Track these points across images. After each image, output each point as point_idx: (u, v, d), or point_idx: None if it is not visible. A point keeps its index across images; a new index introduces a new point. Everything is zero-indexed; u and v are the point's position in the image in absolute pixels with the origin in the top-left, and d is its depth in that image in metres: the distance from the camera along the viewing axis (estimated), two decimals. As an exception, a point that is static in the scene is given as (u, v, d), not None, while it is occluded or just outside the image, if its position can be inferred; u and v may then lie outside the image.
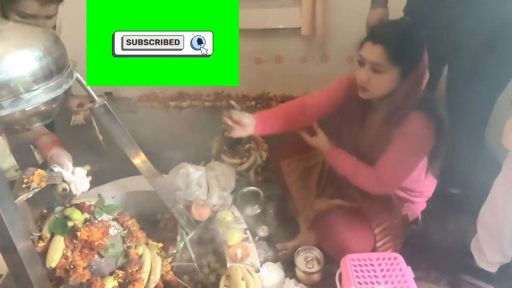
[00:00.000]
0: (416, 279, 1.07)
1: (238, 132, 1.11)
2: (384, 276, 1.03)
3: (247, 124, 1.12)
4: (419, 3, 1.28)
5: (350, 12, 2.00)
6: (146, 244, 1.08)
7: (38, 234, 0.86)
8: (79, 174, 0.92)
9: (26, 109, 0.64)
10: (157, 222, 1.48)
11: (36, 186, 0.81)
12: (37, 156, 1.16)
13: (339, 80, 1.21)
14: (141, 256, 1.02)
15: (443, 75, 1.37)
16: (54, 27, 1.21)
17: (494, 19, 1.09)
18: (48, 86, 0.65)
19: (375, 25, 1.01)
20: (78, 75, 0.76)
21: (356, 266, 1.06)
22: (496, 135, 1.48)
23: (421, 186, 1.22)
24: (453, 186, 1.48)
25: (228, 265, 1.15)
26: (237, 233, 1.21)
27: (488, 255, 1.12)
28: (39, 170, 0.85)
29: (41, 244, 0.86)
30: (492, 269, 1.15)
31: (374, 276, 1.03)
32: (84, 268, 0.89)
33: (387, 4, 1.39)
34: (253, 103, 2.37)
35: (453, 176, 1.43)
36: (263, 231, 1.40)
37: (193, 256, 1.21)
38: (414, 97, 0.99)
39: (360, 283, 1.01)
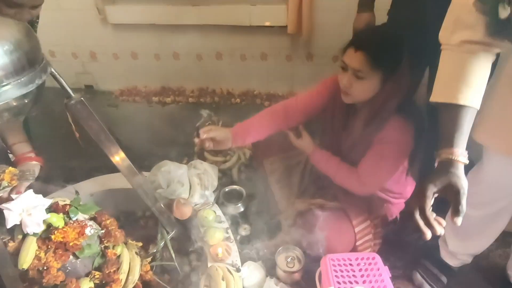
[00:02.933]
0: (393, 278, 1.10)
1: (215, 148, 1.12)
2: (362, 276, 1.05)
3: (222, 140, 1.12)
4: (402, 5, 1.30)
5: (336, 12, 2.01)
6: (125, 243, 1.06)
7: (8, 237, 0.82)
8: (34, 209, 0.82)
9: (-5, 105, 0.60)
10: (137, 220, 1.45)
11: (7, 184, 0.77)
12: (11, 155, 1.12)
13: (323, 81, 1.21)
14: (119, 256, 1.00)
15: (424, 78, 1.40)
16: (38, 17, 1.18)
17: None
18: (19, 81, 0.62)
19: (358, 32, 1.02)
20: (53, 70, 0.73)
21: (335, 266, 1.08)
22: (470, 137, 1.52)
23: (400, 188, 1.25)
24: None
25: (209, 264, 1.14)
26: (219, 232, 1.20)
27: (449, 244, 1.16)
28: (11, 168, 0.81)
29: (12, 245, 0.82)
30: (453, 262, 1.20)
31: (353, 276, 1.05)
32: (58, 269, 0.85)
33: (373, 8, 1.40)
34: (238, 100, 2.36)
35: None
36: (245, 230, 1.39)
37: (173, 256, 1.19)
38: (394, 102, 1.01)
39: (339, 283, 1.03)
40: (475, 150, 0.97)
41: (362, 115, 1.07)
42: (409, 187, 1.28)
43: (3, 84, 0.60)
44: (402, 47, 0.97)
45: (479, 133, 0.92)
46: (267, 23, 2.07)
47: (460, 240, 1.13)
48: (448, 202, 1.29)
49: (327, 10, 2.01)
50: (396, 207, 1.30)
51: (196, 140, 1.10)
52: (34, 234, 0.82)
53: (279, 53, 2.24)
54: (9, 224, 0.78)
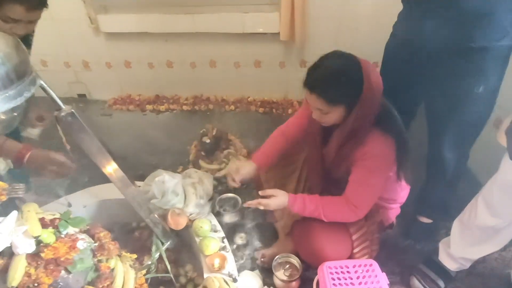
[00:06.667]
0: (391, 283, 1.10)
1: (242, 182, 1.23)
2: (360, 283, 1.04)
3: (250, 175, 1.23)
4: (395, 46, 1.28)
5: (329, 19, 2.04)
6: (119, 256, 1.04)
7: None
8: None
9: (-18, 119, 0.59)
10: (131, 231, 1.43)
11: (-5, 199, 0.76)
12: (0, 165, 1.09)
13: (304, 101, 1.24)
14: (112, 270, 0.98)
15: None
16: (33, 31, 1.16)
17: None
18: (7, 94, 0.61)
19: (308, 71, 1.01)
20: (42, 82, 0.71)
21: (333, 274, 1.07)
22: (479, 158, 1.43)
23: (393, 194, 1.24)
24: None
25: (205, 275, 1.12)
26: (214, 242, 1.19)
27: (453, 247, 1.16)
28: (0, 182, 0.79)
29: (1, 262, 0.79)
30: (451, 266, 1.20)
31: (351, 283, 1.04)
32: (50, 286, 0.83)
33: None
34: (232, 107, 2.35)
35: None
36: (241, 239, 1.38)
37: (168, 267, 1.17)
38: (367, 120, 1.01)
39: (337, 291, 1.02)
40: (496, 158, 0.97)
41: (341, 131, 1.07)
42: (403, 192, 1.28)
43: (-10, 98, 0.59)
44: (355, 81, 0.96)
45: (502, 135, 0.90)
46: (260, 30, 2.08)
47: (466, 245, 1.13)
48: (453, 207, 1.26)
49: (319, 17, 2.03)
50: (391, 212, 1.30)
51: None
52: (23, 251, 0.80)
53: (273, 60, 2.25)
54: (22, 251, 0.76)
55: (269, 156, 1.26)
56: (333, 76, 0.97)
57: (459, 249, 1.15)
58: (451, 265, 1.20)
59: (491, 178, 1.01)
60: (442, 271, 1.22)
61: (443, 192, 1.37)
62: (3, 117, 0.64)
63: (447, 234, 1.20)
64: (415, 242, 1.41)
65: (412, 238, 1.42)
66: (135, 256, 1.08)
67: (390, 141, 1.04)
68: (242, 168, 1.17)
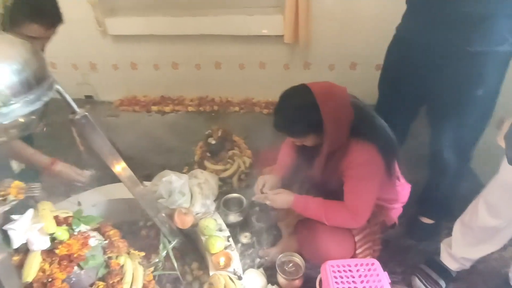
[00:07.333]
0: (392, 283, 1.12)
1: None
2: (362, 282, 1.07)
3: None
4: (398, 48, 1.29)
5: (332, 21, 2.06)
6: (128, 253, 1.07)
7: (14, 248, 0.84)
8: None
9: (4, 123, 0.62)
10: (139, 229, 1.46)
11: (13, 198, 0.79)
12: (14, 165, 1.13)
13: None
14: (122, 267, 1.01)
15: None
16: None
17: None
18: (27, 99, 0.64)
19: (274, 111, 1.07)
20: (59, 87, 0.75)
21: (335, 272, 1.09)
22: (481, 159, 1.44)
23: (394, 194, 1.25)
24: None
25: (211, 273, 1.15)
26: (220, 240, 1.22)
27: (454, 247, 1.18)
28: (16, 182, 0.83)
29: (16, 258, 0.83)
30: (452, 266, 1.22)
31: (353, 282, 1.07)
32: (63, 281, 0.87)
33: None
34: (237, 108, 2.38)
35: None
36: (245, 238, 1.41)
37: (175, 265, 1.20)
38: (341, 137, 1.03)
39: (339, 289, 1.04)
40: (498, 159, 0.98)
41: (320, 159, 1.10)
42: (404, 191, 1.29)
43: (11, 102, 0.62)
44: (311, 112, 0.99)
45: (502, 137, 0.91)
46: (264, 32, 2.11)
47: (467, 246, 1.15)
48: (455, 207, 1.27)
49: (323, 19, 2.05)
50: (393, 212, 1.31)
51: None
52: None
53: (277, 61, 2.27)
54: (15, 245, 0.80)
55: (288, 166, 1.32)
56: (291, 115, 1.05)
57: (460, 249, 1.17)
58: (452, 265, 1.22)
59: (491, 179, 1.03)
60: (443, 271, 1.24)
61: (445, 193, 1.38)
62: (22, 120, 0.67)
63: (449, 234, 1.22)
64: (417, 242, 1.43)
65: (414, 238, 1.44)
66: (143, 254, 1.12)
67: (371, 147, 1.05)
68: (268, 182, 1.25)
